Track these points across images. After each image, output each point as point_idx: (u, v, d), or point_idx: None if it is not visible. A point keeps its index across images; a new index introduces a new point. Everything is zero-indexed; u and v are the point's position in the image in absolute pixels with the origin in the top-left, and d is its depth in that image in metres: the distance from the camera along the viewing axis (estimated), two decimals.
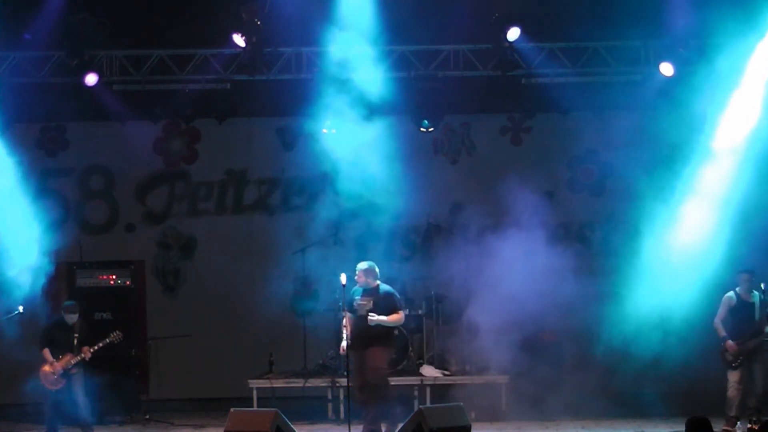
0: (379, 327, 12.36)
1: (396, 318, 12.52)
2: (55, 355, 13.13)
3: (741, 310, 12.84)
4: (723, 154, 14.21)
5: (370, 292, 12.50)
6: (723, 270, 13.61)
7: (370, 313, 12.28)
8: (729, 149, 14.19)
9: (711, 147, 14.29)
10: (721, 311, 12.95)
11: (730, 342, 12.77)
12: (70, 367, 13.10)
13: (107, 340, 13.24)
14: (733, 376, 12.82)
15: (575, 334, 14.76)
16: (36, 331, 13.91)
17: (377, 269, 12.65)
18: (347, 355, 12.39)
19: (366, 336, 12.33)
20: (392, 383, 14.18)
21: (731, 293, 12.93)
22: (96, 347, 13.15)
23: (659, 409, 13.91)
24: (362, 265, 12.65)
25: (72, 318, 13.24)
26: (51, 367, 13.08)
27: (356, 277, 12.61)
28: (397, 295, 12.77)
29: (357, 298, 12.51)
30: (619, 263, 14.89)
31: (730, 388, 12.83)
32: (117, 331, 13.38)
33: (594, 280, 14.46)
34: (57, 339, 13.24)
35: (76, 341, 13.16)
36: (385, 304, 12.44)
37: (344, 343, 12.47)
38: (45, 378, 13.12)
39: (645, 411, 14.00)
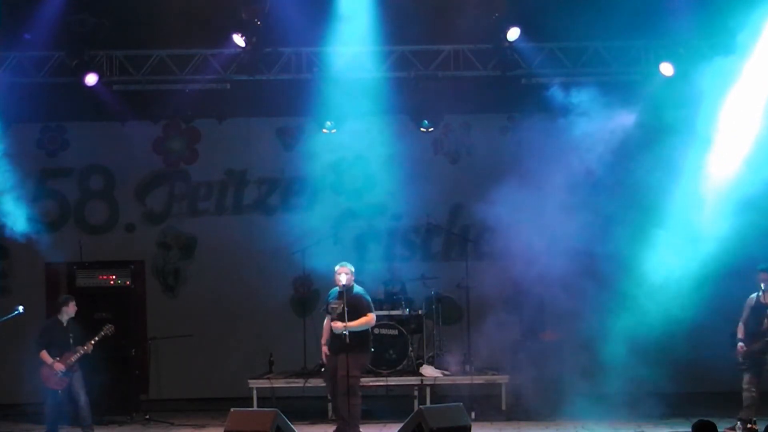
0: (353, 332, 12.10)
1: (365, 321, 12.28)
2: (53, 356, 13.12)
3: (755, 312, 12.66)
4: (725, 152, 14.20)
5: (344, 293, 12.23)
6: (727, 267, 13.54)
7: (334, 322, 12.12)
8: (731, 147, 14.17)
9: (713, 145, 14.28)
10: (744, 312, 12.79)
11: (739, 344, 12.66)
12: (72, 364, 13.10)
13: (102, 334, 13.22)
14: (744, 379, 12.71)
15: (576, 335, 14.74)
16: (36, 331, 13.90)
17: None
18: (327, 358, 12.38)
19: (341, 341, 12.08)
20: (392, 383, 14.27)
21: (754, 294, 12.76)
22: (93, 341, 13.14)
23: (659, 409, 13.90)
24: (351, 266, 12.44)
25: (68, 315, 13.23)
26: (53, 367, 13.07)
27: (343, 278, 12.31)
28: (367, 297, 12.53)
29: (331, 300, 12.39)
30: (622, 263, 14.85)
31: (743, 390, 12.72)
32: (109, 324, 13.37)
33: (596, 282, 14.42)
34: (54, 339, 13.21)
35: (71, 340, 13.15)
36: (356, 306, 12.18)
37: (325, 348, 12.48)
38: (48, 378, 13.10)
39: (645, 411, 13.98)
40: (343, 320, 12.06)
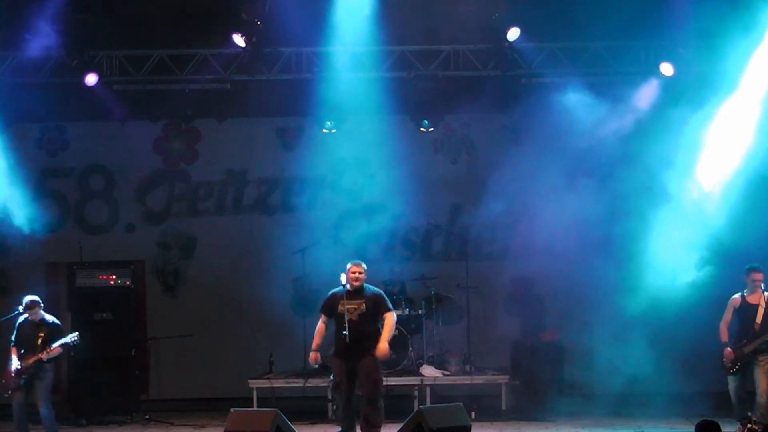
0: (372, 334, 11.62)
1: (392, 324, 11.66)
2: (23, 356, 12.61)
3: (743, 313, 12.38)
4: (725, 151, 14.21)
5: (355, 293, 11.72)
6: (730, 267, 13.51)
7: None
8: (730, 147, 14.19)
9: (713, 144, 14.29)
10: (726, 314, 12.48)
11: (727, 349, 12.35)
12: (26, 367, 12.51)
13: (63, 341, 12.63)
14: (731, 383, 12.43)
15: (576, 335, 14.76)
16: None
17: None
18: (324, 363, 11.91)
19: (358, 344, 11.53)
20: (392, 383, 14.25)
21: (737, 294, 12.49)
22: (50, 349, 12.51)
23: (659, 409, 13.91)
24: (363, 264, 11.90)
25: (35, 315, 12.71)
26: (10, 368, 12.59)
27: (356, 277, 11.74)
28: (385, 295, 12.01)
29: (343, 301, 11.65)
30: (622, 262, 14.88)
31: (731, 395, 12.46)
32: (75, 333, 12.83)
33: (595, 282, 14.44)
34: (23, 338, 12.72)
35: (40, 341, 12.59)
36: (375, 307, 11.70)
37: (316, 354, 11.75)
38: (6, 378, 12.60)
39: (645, 411, 14.00)
40: (361, 319, 11.58)
